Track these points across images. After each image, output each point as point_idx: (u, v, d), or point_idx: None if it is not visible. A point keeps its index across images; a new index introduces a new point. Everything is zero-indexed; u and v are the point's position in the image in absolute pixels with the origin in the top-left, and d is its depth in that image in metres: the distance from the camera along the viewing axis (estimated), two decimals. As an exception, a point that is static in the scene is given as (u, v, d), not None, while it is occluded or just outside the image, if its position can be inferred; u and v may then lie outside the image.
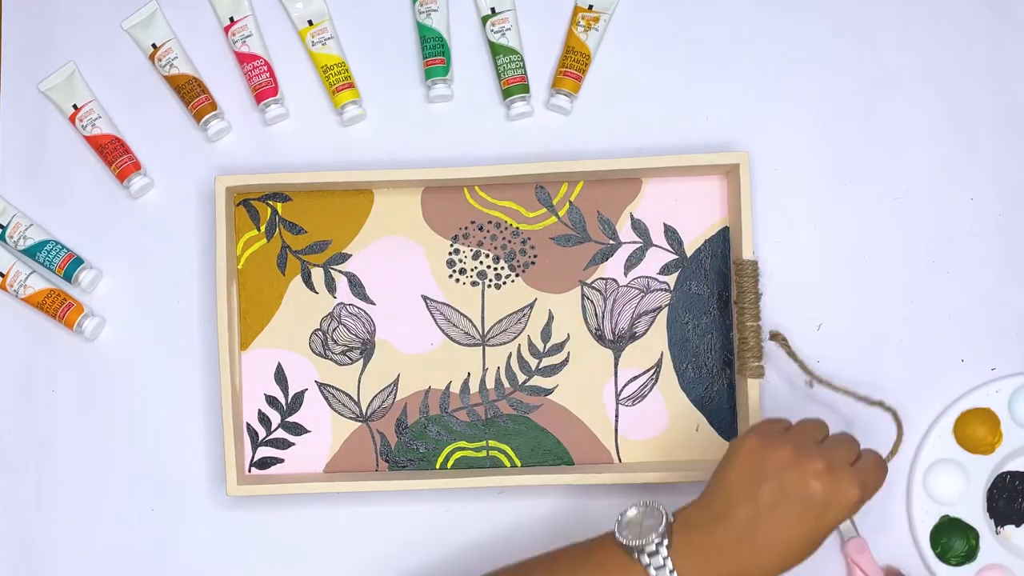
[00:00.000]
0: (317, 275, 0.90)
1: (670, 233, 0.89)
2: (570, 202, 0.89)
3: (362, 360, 0.89)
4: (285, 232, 0.90)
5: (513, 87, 0.90)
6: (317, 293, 0.89)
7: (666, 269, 0.89)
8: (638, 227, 0.89)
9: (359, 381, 0.89)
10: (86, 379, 0.91)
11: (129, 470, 0.90)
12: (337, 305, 0.89)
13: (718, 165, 0.86)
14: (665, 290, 0.88)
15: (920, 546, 0.86)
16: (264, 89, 0.91)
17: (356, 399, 0.89)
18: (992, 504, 0.86)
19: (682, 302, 0.88)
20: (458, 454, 0.88)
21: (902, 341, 0.88)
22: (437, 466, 0.88)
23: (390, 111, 0.92)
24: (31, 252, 0.90)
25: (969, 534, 0.85)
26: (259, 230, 0.90)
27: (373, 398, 0.89)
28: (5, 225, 0.91)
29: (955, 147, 0.90)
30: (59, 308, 0.89)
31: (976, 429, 0.86)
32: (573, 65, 0.90)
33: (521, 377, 0.88)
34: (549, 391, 0.88)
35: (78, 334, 0.90)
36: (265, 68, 0.91)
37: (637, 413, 0.88)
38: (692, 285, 0.88)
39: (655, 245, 0.89)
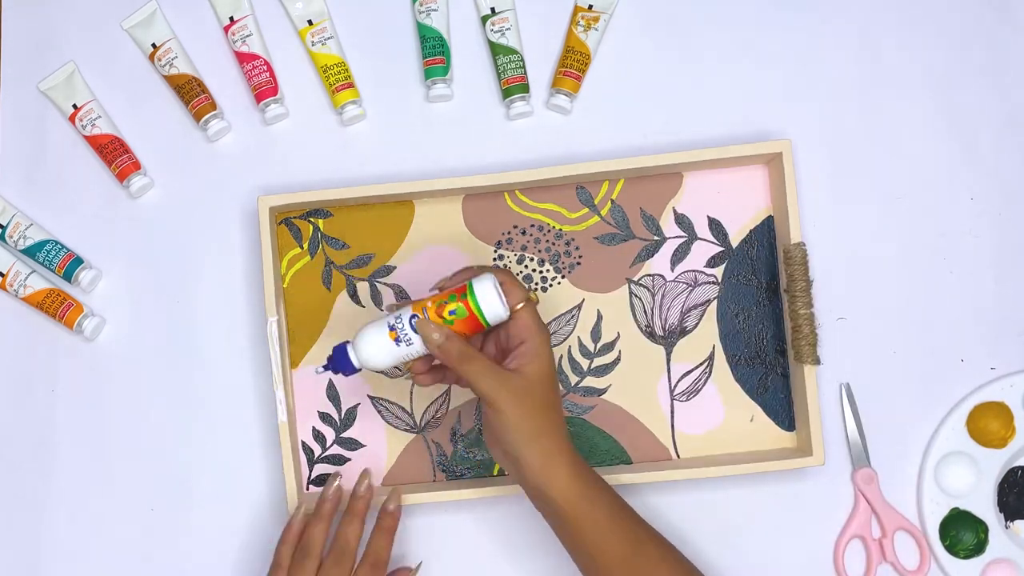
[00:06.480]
0: (363, 289, 0.89)
1: (714, 225, 0.88)
2: (612, 201, 0.88)
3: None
4: (328, 248, 0.89)
5: (513, 87, 0.90)
6: (364, 307, 0.89)
7: (713, 261, 0.88)
8: (682, 221, 0.88)
9: (411, 393, 0.88)
10: (86, 379, 0.91)
11: (130, 471, 0.90)
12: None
13: (759, 155, 0.86)
14: (713, 283, 0.88)
15: (929, 538, 0.86)
16: (264, 89, 0.91)
17: (409, 411, 0.88)
18: (1002, 498, 0.86)
19: (731, 294, 0.88)
20: None
21: (903, 340, 0.88)
22: (495, 473, 0.87)
23: (390, 111, 0.92)
24: (31, 252, 0.90)
25: (978, 527, 0.85)
26: (302, 248, 0.89)
27: (426, 409, 0.88)
28: (5, 225, 0.91)
29: (955, 147, 0.90)
30: (59, 308, 0.89)
31: (989, 423, 0.86)
32: (573, 65, 0.90)
33: (573, 379, 0.88)
34: (602, 391, 0.88)
35: (78, 334, 0.90)
36: (265, 68, 0.91)
37: (692, 408, 0.87)
38: (740, 276, 0.88)
39: (700, 238, 0.88)
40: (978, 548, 0.85)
